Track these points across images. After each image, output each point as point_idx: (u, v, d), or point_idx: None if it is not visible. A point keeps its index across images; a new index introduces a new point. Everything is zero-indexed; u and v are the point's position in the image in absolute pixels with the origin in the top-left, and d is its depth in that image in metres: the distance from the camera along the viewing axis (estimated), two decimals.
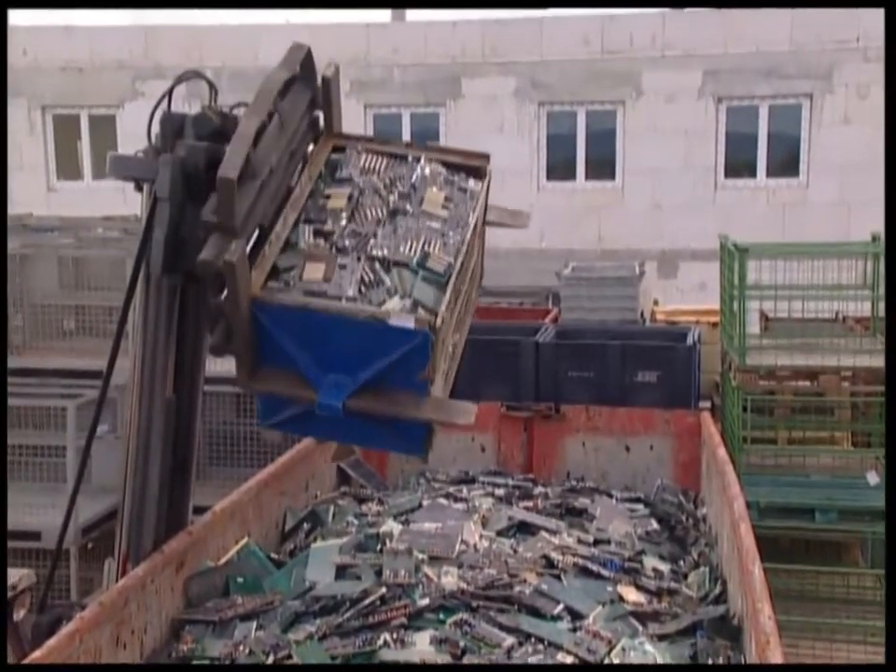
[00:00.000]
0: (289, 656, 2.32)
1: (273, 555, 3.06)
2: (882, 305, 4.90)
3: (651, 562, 3.07)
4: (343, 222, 2.43)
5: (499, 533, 3.23)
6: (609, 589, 2.78)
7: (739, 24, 10.78)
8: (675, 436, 4.19)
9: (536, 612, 2.58)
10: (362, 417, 2.29)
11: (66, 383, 5.47)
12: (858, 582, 4.77)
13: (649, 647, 2.41)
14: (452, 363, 2.61)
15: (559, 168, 11.44)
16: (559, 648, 2.38)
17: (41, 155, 12.24)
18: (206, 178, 2.34)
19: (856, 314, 5.58)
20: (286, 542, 3.29)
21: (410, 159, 2.59)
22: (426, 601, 2.56)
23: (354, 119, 10.17)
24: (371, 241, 2.38)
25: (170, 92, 2.50)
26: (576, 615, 2.59)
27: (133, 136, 2.79)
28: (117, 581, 2.47)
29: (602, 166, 11.37)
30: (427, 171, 2.56)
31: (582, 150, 11.38)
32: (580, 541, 3.18)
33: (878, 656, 4.10)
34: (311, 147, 2.63)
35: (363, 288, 2.27)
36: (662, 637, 2.51)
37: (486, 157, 2.64)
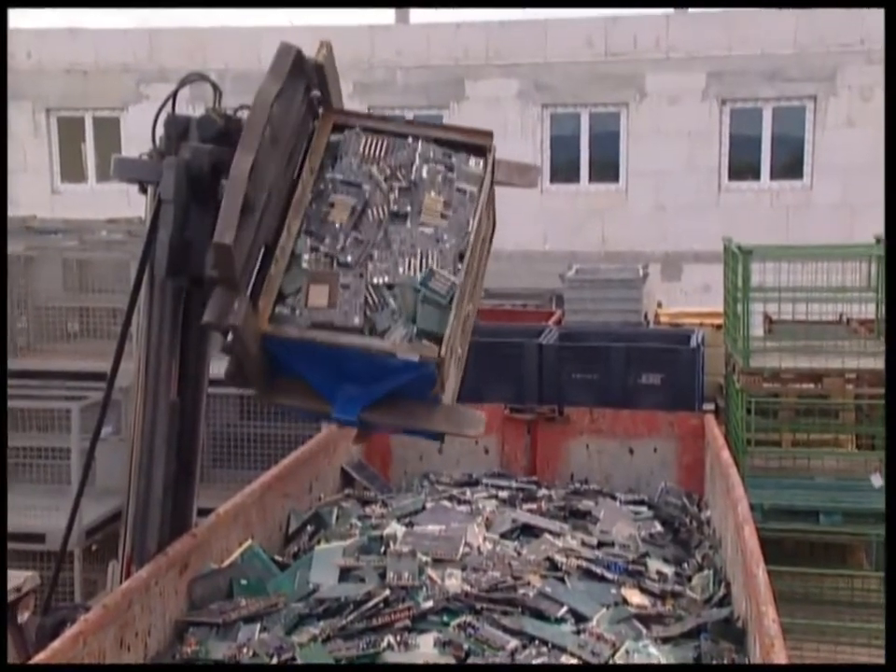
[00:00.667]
0: (293, 658, 2.32)
1: (277, 558, 3.05)
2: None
3: (654, 564, 3.07)
4: (343, 237, 2.42)
5: (503, 535, 3.22)
6: (613, 591, 2.78)
7: (743, 26, 10.79)
8: (679, 438, 4.19)
9: (539, 615, 2.58)
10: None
11: (70, 385, 5.48)
12: (862, 585, 4.76)
13: (653, 649, 2.41)
14: (460, 364, 2.62)
15: (563, 170, 11.45)
16: (563, 650, 2.38)
17: (45, 157, 12.27)
18: (211, 181, 2.35)
19: (860, 316, 5.58)
20: (289, 545, 3.28)
21: (410, 140, 2.52)
22: (429, 603, 2.55)
23: None
24: (370, 265, 2.37)
25: (174, 95, 2.51)
26: (580, 618, 2.59)
27: (137, 139, 2.80)
28: (121, 583, 2.47)
29: (606, 168, 11.39)
30: (426, 170, 2.47)
31: (586, 152, 11.39)
32: (583, 544, 3.18)
33: (882, 659, 4.09)
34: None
35: (368, 312, 2.32)
36: (666, 640, 2.51)
37: (489, 134, 2.55)
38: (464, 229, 2.43)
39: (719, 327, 6.12)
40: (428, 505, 3.51)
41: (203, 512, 2.81)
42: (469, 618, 2.50)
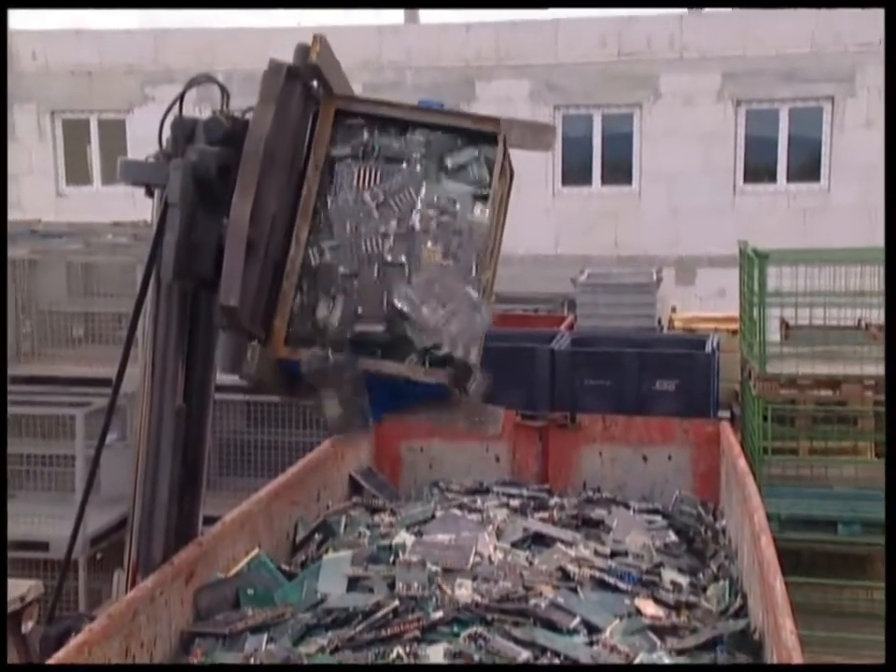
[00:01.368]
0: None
1: (284, 567, 3.06)
2: None
3: (669, 575, 3.06)
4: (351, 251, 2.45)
5: (514, 545, 3.22)
6: (627, 602, 2.77)
7: (759, 26, 10.77)
8: (693, 446, 4.17)
9: (552, 626, 2.57)
10: None
11: (75, 391, 5.50)
12: (882, 596, 4.73)
13: (667, 662, 2.40)
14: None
15: (575, 172, 11.44)
16: (575, 662, 2.37)
17: (50, 160, 12.34)
18: (218, 183, 2.35)
19: (879, 321, 5.55)
20: (297, 553, 3.29)
21: (405, 165, 2.48)
22: (439, 614, 2.55)
23: None
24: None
25: (181, 97, 2.52)
26: (593, 629, 2.58)
27: (144, 141, 2.82)
28: (126, 592, 2.48)
29: (618, 170, 11.37)
30: (418, 218, 2.43)
31: (598, 154, 11.38)
32: (596, 553, 3.17)
33: None
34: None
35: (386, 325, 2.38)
36: (680, 652, 2.50)
37: (496, 120, 2.50)
38: (468, 269, 2.39)
39: (734, 332, 6.10)
40: (438, 514, 3.51)
41: (210, 521, 2.81)
42: (479, 629, 2.49)
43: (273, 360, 2.38)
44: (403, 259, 2.42)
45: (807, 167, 11.05)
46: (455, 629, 2.51)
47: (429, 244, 2.42)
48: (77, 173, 12.44)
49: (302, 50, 2.40)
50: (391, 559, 2.97)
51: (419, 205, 2.45)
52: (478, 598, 2.67)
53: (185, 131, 2.45)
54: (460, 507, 3.67)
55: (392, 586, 2.71)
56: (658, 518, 3.72)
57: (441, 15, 12.25)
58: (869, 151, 10.43)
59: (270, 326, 2.42)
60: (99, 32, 12.16)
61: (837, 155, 10.83)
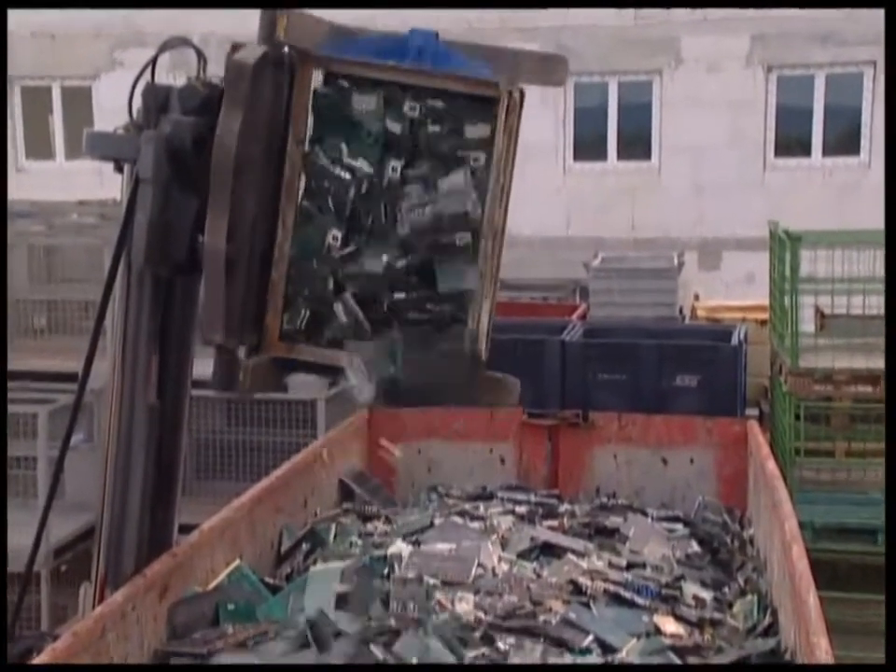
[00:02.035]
0: None
1: (268, 580, 3.06)
2: None
3: (691, 589, 3.07)
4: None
5: (521, 555, 3.23)
6: (645, 619, 2.78)
7: None
8: (718, 447, 4.18)
9: (562, 644, 2.58)
10: None
11: (37, 386, 5.49)
12: None
13: None
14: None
15: (588, 146, 11.43)
16: None
17: (9, 131, 12.32)
18: (194, 157, 2.35)
19: None
20: (282, 565, 3.30)
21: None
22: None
23: None
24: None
25: (153, 62, 2.51)
26: (607, 648, 2.59)
27: (112, 111, 2.82)
28: (93, 607, 2.48)
29: (636, 144, 11.36)
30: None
31: (614, 126, 11.36)
32: (611, 565, 3.18)
33: None
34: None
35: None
36: None
37: (495, 84, 2.46)
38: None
39: (764, 322, 6.10)
40: (437, 521, 3.52)
41: (186, 529, 2.81)
42: (482, 648, 2.50)
43: (268, 362, 2.44)
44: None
45: (845, 140, 11.03)
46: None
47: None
48: (37, 146, 12.42)
49: (268, 28, 2.37)
50: (386, 571, 2.97)
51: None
52: (481, 615, 2.68)
53: (157, 99, 2.44)
54: (461, 514, 3.68)
55: (386, 602, 2.72)
56: (679, 526, 3.73)
57: None
58: None
59: (261, 327, 2.47)
60: None
61: (878, 126, 10.80)
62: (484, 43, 2.62)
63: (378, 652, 2.42)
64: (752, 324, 6.04)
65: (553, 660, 2.49)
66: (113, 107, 2.71)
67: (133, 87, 2.50)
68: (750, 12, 10.81)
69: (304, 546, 3.35)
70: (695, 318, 7.53)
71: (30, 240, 6.29)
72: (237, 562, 2.96)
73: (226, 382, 2.48)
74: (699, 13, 10.94)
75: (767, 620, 2.84)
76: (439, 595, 2.78)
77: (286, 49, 2.46)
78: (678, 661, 2.57)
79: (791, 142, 11.12)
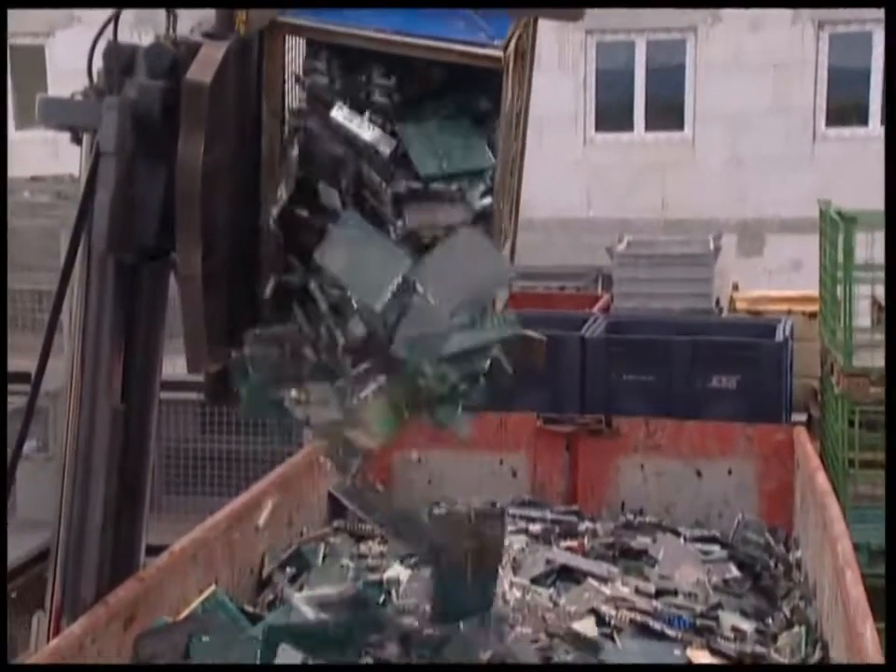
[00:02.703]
0: None
1: (248, 608, 3.08)
2: None
3: (729, 619, 3.08)
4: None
5: (535, 580, 3.25)
6: (677, 653, 2.79)
7: None
8: (760, 458, 4.18)
9: None
10: None
11: None
12: None
13: None
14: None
15: (612, 115, 11.41)
16: None
17: None
18: (163, 126, 2.35)
19: None
20: (263, 591, 3.31)
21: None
22: None
23: None
24: None
25: (115, 17, 2.51)
26: None
27: (68, 73, 2.81)
28: (48, 640, 2.49)
29: (667, 112, 11.34)
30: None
31: (642, 92, 11.35)
32: (638, 591, 3.19)
33: None
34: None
35: None
36: None
37: (496, 58, 2.45)
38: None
39: (813, 315, 6.09)
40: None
41: (154, 550, 2.82)
42: None
43: None
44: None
45: None
46: None
47: None
48: None
49: (225, 25, 2.38)
50: (381, 598, 2.98)
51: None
52: None
53: (121, 60, 2.44)
54: None
55: (382, 633, 2.72)
56: (715, 548, 3.74)
57: None
58: None
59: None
60: None
61: None
62: None
63: None
64: (799, 317, 6.02)
65: None
66: (70, 69, 2.71)
67: (94, 46, 2.50)
68: None
69: (289, 570, 3.38)
70: (734, 311, 7.52)
71: None
72: (212, 588, 2.97)
73: (219, 394, 2.59)
74: None
75: (817, 655, 2.84)
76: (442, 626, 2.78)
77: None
78: None
79: (845, 109, 11.08)
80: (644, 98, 11.36)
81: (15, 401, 5.16)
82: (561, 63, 11.10)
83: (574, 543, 3.65)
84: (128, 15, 2.54)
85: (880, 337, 5.26)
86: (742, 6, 10.59)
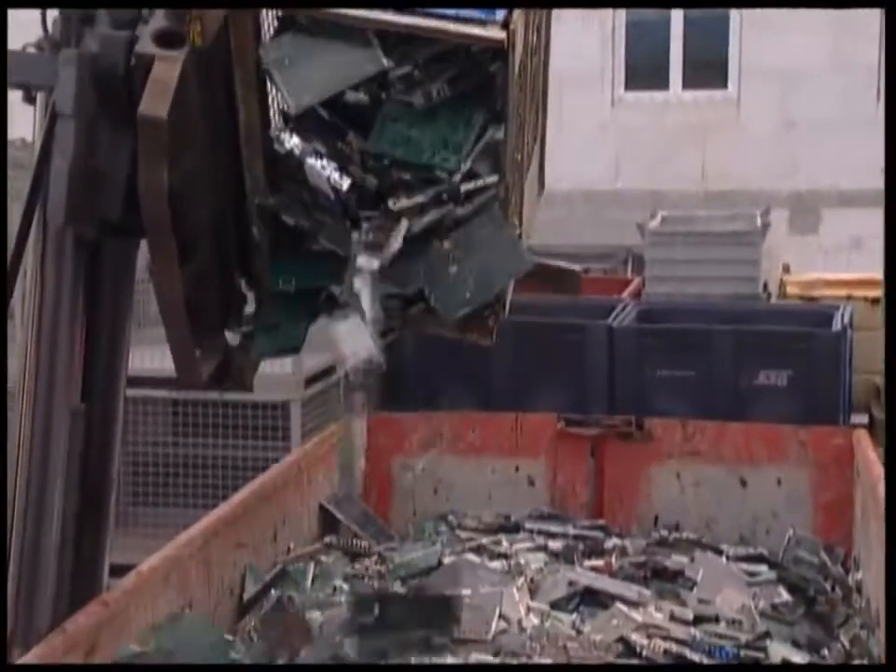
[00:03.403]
0: None
1: (227, 636, 3.08)
2: None
3: (779, 650, 3.07)
4: None
5: (555, 605, 3.25)
6: None
7: None
8: (815, 465, 4.18)
9: None
10: None
11: None
12: None
13: None
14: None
15: (644, 71, 11.39)
16: None
17: None
18: (129, 84, 2.35)
19: None
20: (245, 617, 3.31)
21: None
22: None
23: None
24: None
25: None
26: None
27: (20, 23, 2.80)
28: None
29: (708, 68, 11.31)
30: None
31: (679, 45, 11.32)
32: (673, 618, 3.19)
33: None
34: None
35: None
36: None
37: (501, 40, 2.42)
38: None
39: (876, 301, 6.09)
40: (447, 559, 3.56)
41: (120, 570, 2.82)
42: None
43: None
44: None
45: None
46: None
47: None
48: None
49: (176, 37, 2.37)
50: None
51: None
52: None
53: (80, 7, 2.44)
54: (478, 550, 3.71)
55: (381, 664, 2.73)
56: (763, 568, 3.75)
57: None
58: None
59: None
60: None
61: None
62: None
63: None
64: (861, 303, 6.02)
65: None
66: (21, 18, 2.70)
67: None
68: None
69: (274, 592, 3.36)
70: (785, 297, 7.52)
71: None
72: (186, 613, 2.96)
73: (220, 378, 2.66)
74: None
75: None
76: (449, 657, 2.78)
77: None
78: None
79: None
80: (681, 52, 11.33)
81: None
82: (585, 15, 11.05)
83: (600, 563, 3.65)
84: None
85: None
86: (743, 5, 10.60)
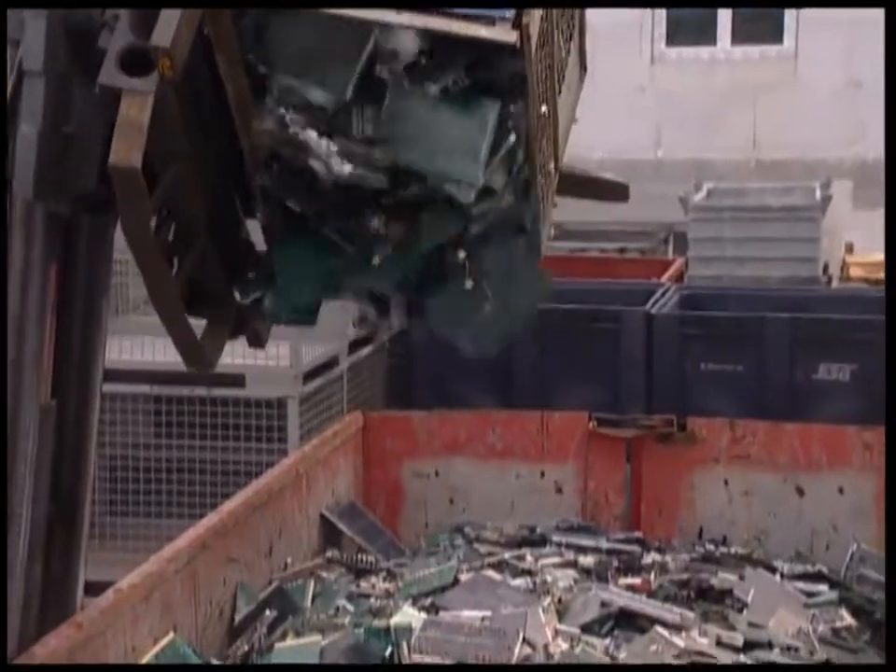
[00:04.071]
0: None
1: (215, 662, 3.09)
2: None
3: None
4: None
5: (586, 628, 3.24)
6: None
7: None
8: (881, 471, 4.15)
9: None
10: None
11: None
12: None
13: None
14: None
15: (688, 25, 11.37)
16: None
17: None
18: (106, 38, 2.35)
19: None
20: (236, 641, 3.32)
21: None
22: None
23: None
24: None
25: None
26: None
27: None
28: None
29: (760, 20, 11.28)
30: None
31: None
32: (720, 644, 3.19)
33: None
34: None
35: None
36: None
37: (512, 43, 2.43)
38: None
39: None
40: (464, 577, 3.55)
41: (96, 588, 2.83)
42: None
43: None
44: None
45: None
46: None
47: None
48: None
49: (144, 60, 2.37)
50: (388, 651, 2.99)
51: None
52: None
53: None
54: (499, 566, 3.70)
55: None
56: (823, 588, 3.75)
57: None
58: None
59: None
60: None
61: None
62: None
63: None
64: None
65: None
66: None
67: None
68: None
69: (269, 613, 3.38)
70: (848, 280, 7.50)
71: None
72: (171, 636, 2.97)
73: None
74: None
75: None
76: None
77: None
78: None
79: None
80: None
81: None
82: None
83: (637, 581, 3.65)
84: None
85: None
86: (742, 5, 10.58)
